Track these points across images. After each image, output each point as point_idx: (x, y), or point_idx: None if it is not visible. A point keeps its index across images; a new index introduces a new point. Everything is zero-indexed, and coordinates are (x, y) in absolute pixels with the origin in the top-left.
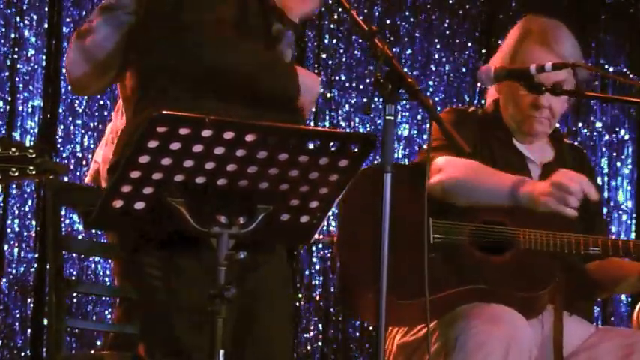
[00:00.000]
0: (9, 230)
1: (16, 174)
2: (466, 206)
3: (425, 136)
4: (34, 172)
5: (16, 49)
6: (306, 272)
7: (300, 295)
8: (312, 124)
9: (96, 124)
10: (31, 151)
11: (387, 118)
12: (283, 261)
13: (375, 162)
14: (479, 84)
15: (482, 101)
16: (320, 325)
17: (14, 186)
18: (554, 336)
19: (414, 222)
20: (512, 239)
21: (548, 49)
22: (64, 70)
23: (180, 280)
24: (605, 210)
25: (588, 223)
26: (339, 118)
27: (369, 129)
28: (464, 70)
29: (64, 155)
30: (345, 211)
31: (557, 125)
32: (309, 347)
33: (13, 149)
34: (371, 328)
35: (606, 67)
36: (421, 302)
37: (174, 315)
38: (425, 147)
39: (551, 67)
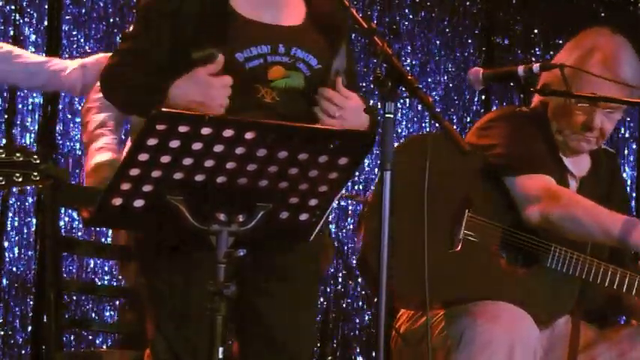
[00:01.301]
0: (9, 228)
1: (20, 179)
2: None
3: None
4: (37, 178)
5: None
6: None
7: None
8: None
9: None
10: (35, 156)
11: (387, 115)
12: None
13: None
14: None
15: (483, 97)
16: (319, 324)
17: (17, 189)
18: (570, 347)
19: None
20: (543, 253)
21: (609, 72)
22: None
23: (166, 283)
24: None
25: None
26: None
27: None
28: (464, 67)
29: (63, 153)
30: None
31: None
32: None
33: (17, 154)
34: (371, 327)
35: None
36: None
37: (163, 319)
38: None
39: (539, 68)
